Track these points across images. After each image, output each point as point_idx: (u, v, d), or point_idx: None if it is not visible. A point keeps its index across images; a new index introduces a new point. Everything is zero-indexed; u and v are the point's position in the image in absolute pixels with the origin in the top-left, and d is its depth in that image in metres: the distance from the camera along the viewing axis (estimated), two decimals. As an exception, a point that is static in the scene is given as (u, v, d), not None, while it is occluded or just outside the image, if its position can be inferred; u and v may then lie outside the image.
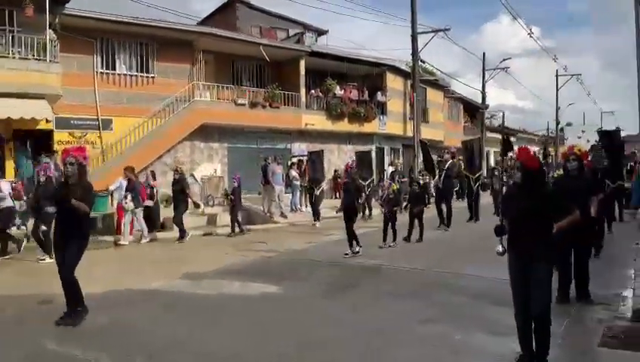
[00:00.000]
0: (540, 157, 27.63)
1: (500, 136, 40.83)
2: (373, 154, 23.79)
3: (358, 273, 8.46)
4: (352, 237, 9.80)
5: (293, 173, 17.13)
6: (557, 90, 47.61)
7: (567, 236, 4.98)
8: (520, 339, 4.33)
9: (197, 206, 14.02)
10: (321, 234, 13.33)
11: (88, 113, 16.37)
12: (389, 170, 22.21)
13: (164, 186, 14.88)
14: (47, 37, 13.78)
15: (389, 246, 10.59)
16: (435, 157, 18.33)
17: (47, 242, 9.12)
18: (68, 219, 5.55)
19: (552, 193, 4.47)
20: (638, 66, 9.79)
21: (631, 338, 5.29)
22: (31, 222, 10.33)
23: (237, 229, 13.45)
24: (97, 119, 16.52)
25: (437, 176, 15.16)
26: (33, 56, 13.68)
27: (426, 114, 26.46)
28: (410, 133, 23.86)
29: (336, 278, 8.05)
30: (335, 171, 19.34)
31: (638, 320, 5.73)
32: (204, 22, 24.50)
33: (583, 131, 47.51)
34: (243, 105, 18.88)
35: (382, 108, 23.62)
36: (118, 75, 17.05)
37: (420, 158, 19.15)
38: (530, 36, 45.61)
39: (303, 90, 20.62)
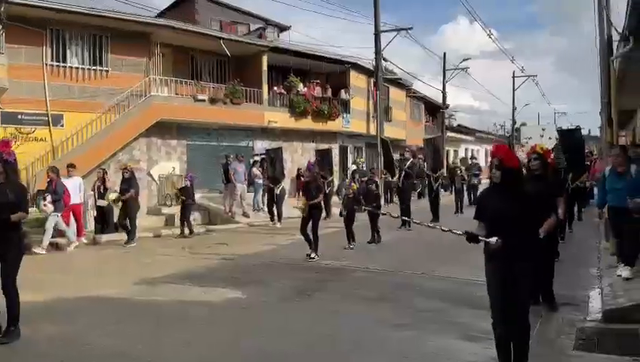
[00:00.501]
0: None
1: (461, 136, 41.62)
2: (336, 153, 23.58)
3: (324, 276, 8.16)
4: (313, 239, 9.42)
5: (256, 171, 16.67)
6: (513, 90, 48.73)
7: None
8: (499, 350, 4.08)
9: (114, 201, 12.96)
10: (285, 234, 12.95)
11: (37, 108, 15.43)
12: (352, 168, 22.02)
13: (118, 186, 14.15)
14: (-9, 26, 12.88)
15: (349, 247, 10.31)
16: (396, 156, 18.29)
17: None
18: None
19: (533, 193, 4.21)
20: (601, 68, 9.86)
21: (604, 340, 5.24)
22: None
23: (186, 231, 12.93)
24: (47, 114, 15.60)
25: (397, 176, 15.01)
26: (-25, 46, 12.77)
27: (389, 112, 26.43)
28: (373, 132, 23.74)
29: (302, 282, 7.71)
30: (298, 170, 19.02)
31: (608, 321, 5.70)
32: (161, 15, 23.65)
33: (543, 129, 48.73)
34: (203, 101, 18.27)
35: (345, 107, 23.41)
36: (70, 67, 16.17)
37: (382, 157, 19.06)
38: (490, 37, 46.78)
39: (265, 87, 20.15)
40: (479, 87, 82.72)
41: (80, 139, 15.71)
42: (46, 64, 15.70)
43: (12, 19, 13.84)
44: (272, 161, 15.75)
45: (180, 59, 19.20)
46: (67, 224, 12.29)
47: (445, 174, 18.29)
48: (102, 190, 12.60)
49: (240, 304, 6.52)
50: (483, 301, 6.50)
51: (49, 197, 10.68)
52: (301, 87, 21.47)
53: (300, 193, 10.22)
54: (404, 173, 14.69)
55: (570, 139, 10.88)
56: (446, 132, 33.79)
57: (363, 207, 10.49)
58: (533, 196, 4.10)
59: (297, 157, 21.41)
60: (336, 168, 22.87)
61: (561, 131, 12.29)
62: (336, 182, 21.16)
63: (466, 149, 43.10)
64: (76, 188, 12.30)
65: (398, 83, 28.58)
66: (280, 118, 20.57)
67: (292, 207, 14.36)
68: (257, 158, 18.21)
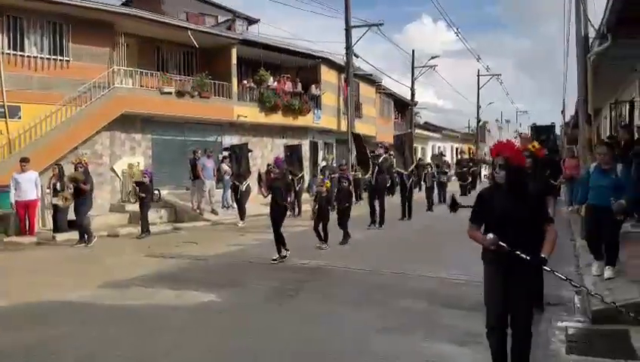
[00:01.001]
0: (467, 154, 28.59)
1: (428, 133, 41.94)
2: (307, 149, 23.27)
3: (302, 276, 7.83)
4: (279, 240, 8.91)
5: (225, 167, 16.16)
6: (478, 89, 49.58)
7: None
8: (495, 360, 3.83)
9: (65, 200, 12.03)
10: (255, 233, 12.56)
11: (-8, 98, 14.56)
12: (322, 164, 21.79)
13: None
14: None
15: (323, 247, 9.86)
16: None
17: None
18: None
19: (538, 195, 3.99)
20: (578, 66, 9.87)
21: (595, 342, 5.14)
22: None
23: (145, 230, 12.37)
24: (3, 106, 14.70)
25: (370, 172, 14.68)
26: None
27: (359, 109, 26.28)
28: (344, 128, 23.56)
29: (279, 283, 7.36)
30: (268, 165, 18.56)
31: (597, 323, 5.60)
32: (126, 4, 22.73)
33: (517, 131, 49.69)
34: (169, 93, 17.62)
35: (316, 102, 23.11)
36: (28, 57, 15.28)
37: (354, 153, 18.84)
38: (457, 35, 47.32)
39: (234, 80, 19.62)
40: (443, 85, 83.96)
41: (38, 133, 14.88)
42: (2, 52, 14.78)
43: (-37, 4, 12.98)
44: (237, 158, 15.23)
45: (145, 50, 18.49)
46: (22, 221, 11.63)
47: (414, 171, 18.13)
48: (58, 187, 11.94)
49: (216, 308, 6.14)
50: (469, 301, 6.40)
51: None
52: (271, 81, 21.05)
53: (263, 189, 9.54)
54: (376, 168, 14.38)
55: (546, 136, 10.88)
56: (414, 129, 33.97)
57: (332, 205, 10.18)
58: (536, 196, 3.88)
59: (268, 153, 20.97)
60: (307, 164, 22.58)
61: (535, 128, 12.24)
62: (307, 179, 20.89)
63: (433, 146, 43.53)
64: (31, 184, 11.63)
65: (367, 79, 28.47)
66: (250, 113, 20.10)
67: (259, 204, 13.95)
68: (226, 154, 17.70)
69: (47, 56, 15.59)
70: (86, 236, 11.01)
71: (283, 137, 22.03)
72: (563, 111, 49.76)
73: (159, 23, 17.49)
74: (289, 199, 9.50)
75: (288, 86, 21.77)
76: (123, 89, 16.55)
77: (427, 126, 43.21)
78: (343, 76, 24.33)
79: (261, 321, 5.65)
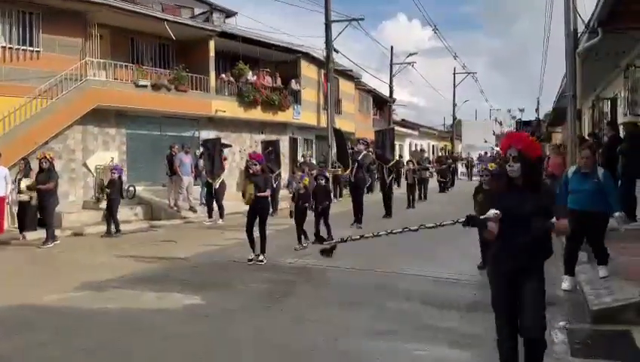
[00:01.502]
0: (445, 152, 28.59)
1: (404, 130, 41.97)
2: (286, 145, 22.93)
3: (289, 276, 7.52)
4: (261, 239, 8.36)
5: (203, 163, 15.69)
6: (454, 86, 49.83)
7: None
8: None
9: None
10: (235, 231, 12.13)
11: (-44, 90, 13.82)
12: (300, 160, 21.44)
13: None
14: None
15: (302, 248, 9.33)
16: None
17: None
18: None
19: (551, 189, 3.77)
20: (567, 61, 9.78)
21: (597, 343, 5.01)
22: None
23: (113, 228, 11.86)
24: (-32, 98, 14.00)
25: (349, 169, 14.37)
26: None
27: (339, 105, 26.02)
28: (324, 124, 23.26)
29: (266, 284, 7.04)
30: (247, 161, 18.16)
31: (597, 322, 5.46)
32: (99, -6, 21.99)
33: (501, 124, 50.10)
34: (144, 87, 17.03)
35: (296, 97, 22.75)
36: (-5, 47, 14.59)
37: (334, 149, 18.58)
38: (435, 32, 47.52)
39: (212, 74, 19.12)
40: (417, 83, 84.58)
41: (7, 126, 14.16)
42: (-33, 42, 14.06)
43: None
44: (210, 154, 14.73)
45: (119, 42, 17.84)
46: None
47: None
48: (22, 184, 11.32)
49: (202, 312, 5.77)
50: (464, 301, 6.20)
51: None
52: (250, 76, 20.60)
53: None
54: (356, 165, 14.10)
55: (530, 130, 10.78)
56: (393, 126, 33.89)
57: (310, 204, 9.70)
58: (551, 192, 3.65)
59: (247, 149, 20.51)
60: (286, 161, 22.26)
61: (521, 122, 12.07)
62: (285, 176, 20.53)
63: (410, 143, 43.63)
64: (1, 180, 11.02)
65: (347, 75, 28.24)
66: (228, 107, 19.63)
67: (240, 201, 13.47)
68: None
69: (17, 47, 14.84)
70: (49, 235, 10.46)
71: (262, 133, 21.63)
72: (537, 110, 50.58)
73: (135, 14, 16.87)
74: (266, 194, 8.85)
75: (267, 80, 21.36)
76: (96, 81, 15.91)
77: (404, 123, 43.21)
78: (323, 71, 24.02)
79: (250, 325, 5.32)
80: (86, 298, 6.28)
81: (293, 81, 22.67)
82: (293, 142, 23.83)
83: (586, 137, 12.49)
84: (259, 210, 8.45)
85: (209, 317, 5.58)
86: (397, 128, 38.22)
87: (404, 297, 6.36)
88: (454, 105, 50.60)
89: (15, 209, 11.93)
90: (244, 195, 8.49)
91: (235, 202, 14.20)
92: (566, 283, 6.64)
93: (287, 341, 4.89)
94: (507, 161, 3.51)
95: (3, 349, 4.59)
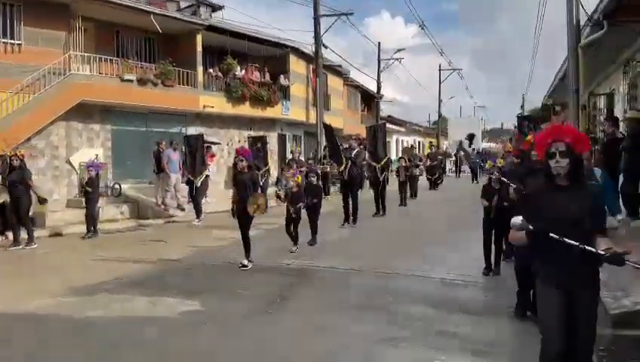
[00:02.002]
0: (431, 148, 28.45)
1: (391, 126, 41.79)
2: (275, 141, 22.56)
3: (288, 279, 7.17)
4: (247, 244, 7.93)
5: (191, 160, 15.24)
6: (440, 83, 49.84)
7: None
8: None
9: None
10: (229, 230, 11.74)
11: None
12: (289, 157, 21.08)
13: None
14: None
15: (293, 250, 8.87)
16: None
17: None
18: None
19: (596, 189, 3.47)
20: (570, 55, 9.57)
21: (621, 349, 4.76)
22: None
23: (92, 229, 11.33)
24: (-55, 92, 13.40)
25: (342, 166, 13.98)
26: None
27: (327, 101, 25.68)
28: (313, 120, 22.91)
29: (265, 287, 6.69)
30: (235, 158, 17.75)
31: (618, 327, 5.23)
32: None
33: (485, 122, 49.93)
34: (130, 81, 16.52)
35: (285, 93, 22.34)
36: (-27, 39, 14.00)
37: (324, 145, 18.21)
38: (422, 28, 47.34)
39: (200, 69, 18.65)
40: (402, 80, 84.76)
41: (-14, 122, 13.62)
42: (-57, 33, 13.45)
43: None
44: (192, 150, 14.20)
45: (103, 35, 17.29)
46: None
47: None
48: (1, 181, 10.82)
49: (200, 318, 5.42)
50: (474, 304, 5.93)
51: None
52: (239, 71, 20.15)
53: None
54: (350, 162, 13.70)
55: (532, 126, 10.54)
56: (381, 122, 33.68)
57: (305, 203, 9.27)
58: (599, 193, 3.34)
59: (234, 145, 20.11)
60: (275, 158, 21.89)
61: (523, 117, 11.72)
62: (274, 173, 20.18)
63: (397, 140, 43.49)
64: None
65: (335, 71, 27.91)
66: (216, 103, 19.18)
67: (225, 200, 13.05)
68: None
69: (-3, 39, 14.30)
70: (27, 236, 10.05)
71: (250, 129, 21.21)
72: (522, 106, 50.77)
73: (120, 6, 16.31)
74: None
75: (256, 75, 20.93)
76: (80, 76, 15.38)
77: (392, 119, 43.01)
78: (311, 67, 23.65)
79: (252, 335, 5.00)
80: (72, 304, 5.88)
81: (282, 76, 22.26)
82: (282, 139, 23.44)
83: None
84: (243, 213, 7.88)
85: (208, 324, 5.23)
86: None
87: (410, 300, 6.08)
88: (440, 101, 50.67)
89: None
90: (234, 206, 8.02)
91: (227, 201, 13.76)
92: None
93: (295, 352, 4.57)
94: (552, 157, 3.12)
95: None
